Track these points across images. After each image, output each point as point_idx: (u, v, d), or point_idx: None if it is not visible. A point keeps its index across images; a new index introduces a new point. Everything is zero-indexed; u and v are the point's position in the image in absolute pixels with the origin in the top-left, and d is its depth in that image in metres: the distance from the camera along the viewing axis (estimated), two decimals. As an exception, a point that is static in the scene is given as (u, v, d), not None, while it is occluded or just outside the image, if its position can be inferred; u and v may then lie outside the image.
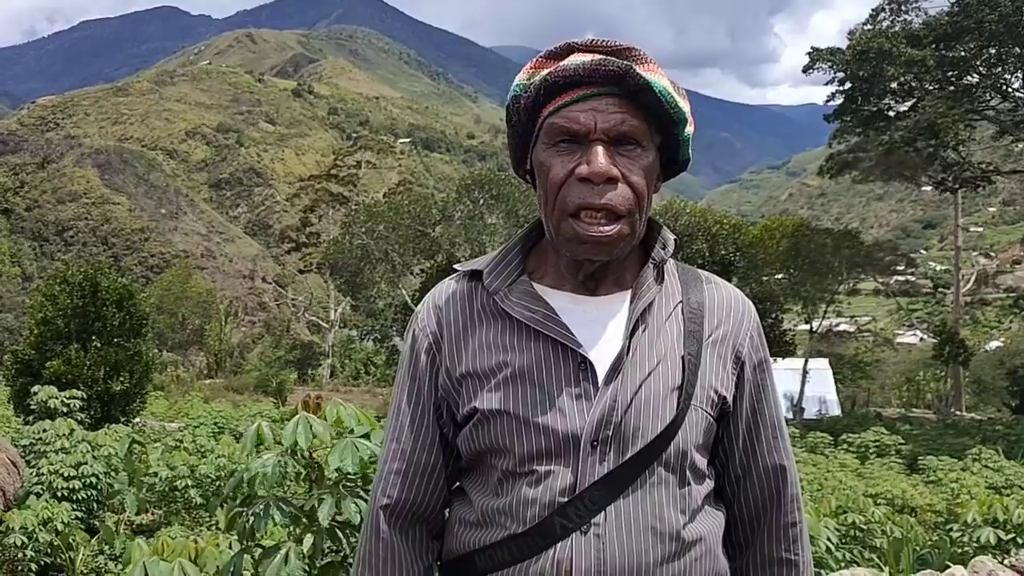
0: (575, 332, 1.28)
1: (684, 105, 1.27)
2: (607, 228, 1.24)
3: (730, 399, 1.35)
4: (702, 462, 1.32)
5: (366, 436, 2.77)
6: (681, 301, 1.35)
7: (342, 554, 2.73)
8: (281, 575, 2.56)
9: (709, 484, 1.35)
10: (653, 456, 1.25)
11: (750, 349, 1.38)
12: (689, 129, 1.30)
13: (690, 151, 1.33)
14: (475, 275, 1.38)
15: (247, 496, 2.80)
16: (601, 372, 1.27)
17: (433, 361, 1.36)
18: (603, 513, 1.22)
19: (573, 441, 1.24)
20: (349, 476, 2.74)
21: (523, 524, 1.24)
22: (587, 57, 1.25)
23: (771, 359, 1.47)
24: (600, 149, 1.23)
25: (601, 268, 1.32)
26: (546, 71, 1.27)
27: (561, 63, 1.27)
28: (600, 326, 1.31)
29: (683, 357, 1.30)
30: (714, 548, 1.32)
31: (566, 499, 1.23)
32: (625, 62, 1.23)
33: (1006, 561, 4.80)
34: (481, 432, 1.30)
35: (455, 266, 1.43)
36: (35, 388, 9.91)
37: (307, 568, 2.64)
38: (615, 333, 1.30)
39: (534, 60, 1.32)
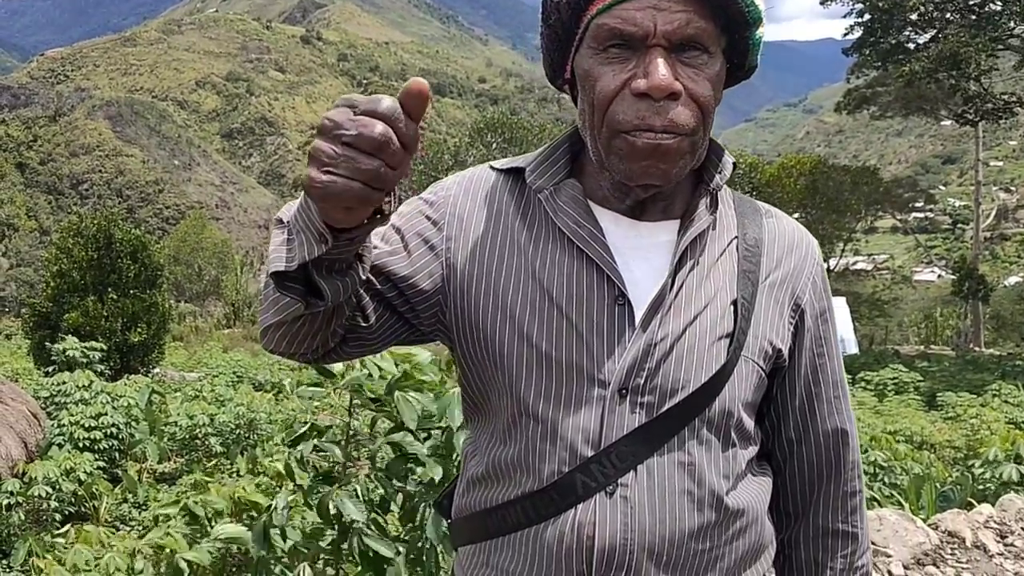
0: (615, 259, 1.11)
1: (760, 2, 1.07)
2: (668, 138, 1.03)
3: (785, 352, 1.18)
4: (749, 422, 1.15)
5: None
6: (736, 236, 1.17)
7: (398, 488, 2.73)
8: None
9: (754, 448, 1.18)
10: (695, 411, 1.08)
11: (812, 296, 1.20)
12: (762, 30, 1.10)
13: (758, 57, 1.13)
14: (515, 173, 1.18)
15: (300, 434, 2.79)
16: (639, 310, 1.09)
17: (439, 229, 1.15)
18: (632, 472, 1.06)
19: (599, 385, 1.07)
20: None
21: (539, 481, 1.08)
22: None
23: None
24: (660, 58, 1.02)
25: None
26: None
27: None
28: (642, 257, 1.12)
29: (735, 301, 1.13)
30: (760, 518, 1.17)
31: (590, 453, 1.06)
32: None
33: (1030, 497, 4.76)
34: (486, 353, 1.12)
35: (490, 164, 1.21)
36: (56, 341, 10.01)
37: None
38: (659, 267, 1.12)
39: None
